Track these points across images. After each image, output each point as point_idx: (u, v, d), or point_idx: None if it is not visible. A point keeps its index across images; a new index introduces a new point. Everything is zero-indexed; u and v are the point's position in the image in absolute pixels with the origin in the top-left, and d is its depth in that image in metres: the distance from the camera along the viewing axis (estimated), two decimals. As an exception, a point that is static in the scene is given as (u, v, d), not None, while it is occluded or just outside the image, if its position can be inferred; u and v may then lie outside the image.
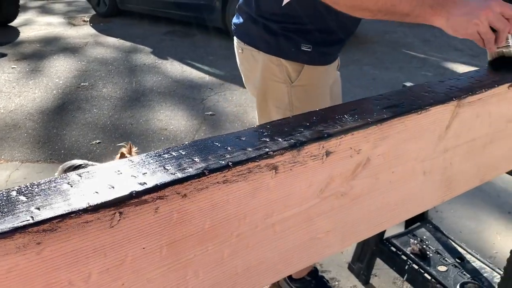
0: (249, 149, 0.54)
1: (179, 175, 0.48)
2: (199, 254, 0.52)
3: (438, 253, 1.54)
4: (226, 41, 5.41)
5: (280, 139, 0.57)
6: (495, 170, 0.91)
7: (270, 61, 1.20)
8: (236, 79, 4.11)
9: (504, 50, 0.88)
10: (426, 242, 1.58)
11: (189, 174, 0.48)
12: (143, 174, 0.49)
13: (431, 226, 1.67)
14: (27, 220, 0.39)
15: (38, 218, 0.39)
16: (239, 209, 0.54)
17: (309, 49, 1.17)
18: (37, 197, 0.43)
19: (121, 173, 0.48)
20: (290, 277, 1.59)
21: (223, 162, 0.51)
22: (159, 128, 3.13)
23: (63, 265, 0.42)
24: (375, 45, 5.27)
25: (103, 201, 0.43)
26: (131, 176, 0.48)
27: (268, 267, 0.61)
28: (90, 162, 2.16)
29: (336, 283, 1.72)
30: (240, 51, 1.30)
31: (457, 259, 1.51)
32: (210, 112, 3.40)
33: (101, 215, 0.43)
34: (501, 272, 1.34)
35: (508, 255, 1.20)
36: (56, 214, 0.41)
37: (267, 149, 0.54)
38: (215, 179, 0.50)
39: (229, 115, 3.36)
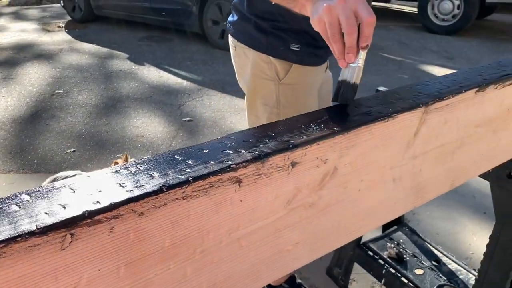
0: (211, 162, 0.52)
1: (136, 192, 0.46)
2: (160, 273, 0.50)
3: (415, 256, 1.54)
4: (203, 46, 5.39)
5: (244, 151, 0.55)
6: (466, 175, 0.91)
7: (260, 58, 1.22)
8: (214, 84, 4.09)
9: (348, 71, 0.70)
10: (403, 246, 1.59)
11: (146, 191, 0.46)
12: (98, 191, 0.46)
13: (407, 229, 1.68)
14: (-34, 247, 0.37)
15: (-22, 245, 0.37)
16: (202, 225, 0.52)
17: (297, 49, 1.19)
18: (-21, 221, 0.40)
19: (75, 191, 0.46)
20: (269, 285, 1.57)
21: (183, 177, 0.49)
22: (135, 135, 3.09)
23: (8, 293, 0.40)
24: (352, 49, 5.30)
25: (53, 223, 0.41)
26: (86, 194, 0.46)
27: (236, 282, 0.59)
28: (84, 173, 2.11)
29: (315, 289, 1.72)
30: (233, 48, 1.32)
31: (433, 262, 1.52)
32: (188, 118, 3.37)
33: (51, 238, 0.41)
34: (476, 274, 1.36)
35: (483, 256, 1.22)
36: (0, 239, 0.38)
37: (230, 162, 0.52)
38: (174, 195, 0.48)
39: (207, 120, 3.34)
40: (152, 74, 4.39)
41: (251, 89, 1.30)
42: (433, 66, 4.82)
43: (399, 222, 1.71)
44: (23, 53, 5.13)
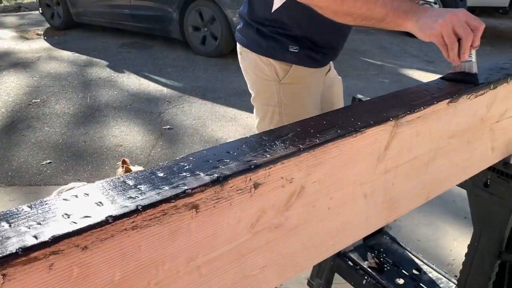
0: (165, 187, 0.49)
1: (79, 224, 0.43)
2: (110, 309, 0.46)
3: (395, 265, 1.52)
4: (184, 52, 5.35)
5: (202, 174, 0.52)
6: (441, 186, 0.90)
7: (261, 61, 1.31)
8: (195, 90, 4.05)
9: (466, 65, 0.87)
10: (383, 255, 1.57)
11: (89, 224, 0.42)
12: (38, 223, 0.43)
13: (388, 238, 1.66)
14: None
15: None
16: (156, 255, 0.48)
17: (296, 50, 1.27)
18: None
19: (10, 224, 0.42)
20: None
21: (132, 206, 0.45)
22: (114, 144, 3.03)
23: None
24: (333, 53, 5.31)
25: (-19, 263, 0.37)
26: (23, 227, 0.42)
27: (197, 312, 0.56)
28: (88, 185, 2.06)
29: (296, 300, 1.68)
30: (239, 53, 1.42)
31: (414, 271, 1.50)
32: (168, 126, 3.32)
33: (-21, 280, 0.37)
34: (456, 282, 1.34)
35: (462, 265, 1.20)
36: None
37: (185, 187, 0.49)
38: (122, 226, 0.44)
39: (187, 128, 3.29)
40: (132, 81, 4.33)
41: (255, 91, 1.39)
42: (413, 70, 4.86)
43: (379, 231, 1.68)
44: (-1, 62, 5.03)
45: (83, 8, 6.31)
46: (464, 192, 1.20)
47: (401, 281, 1.46)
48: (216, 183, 0.51)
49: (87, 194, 0.48)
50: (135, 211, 0.45)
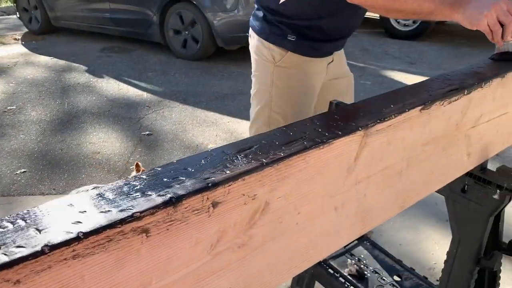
0: (111, 210, 0.45)
1: (11, 256, 0.38)
2: None
3: (376, 272, 1.50)
4: (165, 56, 5.29)
5: (154, 194, 0.48)
6: (416, 195, 0.87)
7: (261, 43, 1.45)
8: (175, 95, 3.99)
9: (509, 45, 1.02)
10: (364, 262, 1.54)
11: (21, 255, 0.38)
12: (-35, 257, 0.38)
13: (368, 244, 1.64)
14: None
15: None
16: (101, 285, 0.44)
17: (293, 39, 1.39)
18: None
19: None
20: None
21: (72, 233, 0.41)
22: (91, 152, 2.96)
23: None
24: (315, 56, 5.31)
25: None
26: None
27: None
28: (100, 185, 2.01)
29: (277, 309, 1.65)
30: (251, 37, 1.54)
31: (395, 277, 1.48)
32: (147, 132, 3.26)
33: None
34: (437, 289, 1.32)
35: (442, 271, 1.18)
36: None
37: (133, 210, 0.45)
38: (61, 256, 0.40)
39: (167, 134, 3.24)
40: (111, 86, 4.26)
41: (254, 70, 1.51)
42: (395, 71, 4.88)
43: (360, 237, 1.66)
44: (-26, 68, 4.91)
45: (61, 12, 6.21)
46: (444, 195, 1.18)
47: (381, 288, 1.43)
48: (169, 205, 0.47)
49: (26, 220, 0.44)
50: (76, 239, 0.41)
